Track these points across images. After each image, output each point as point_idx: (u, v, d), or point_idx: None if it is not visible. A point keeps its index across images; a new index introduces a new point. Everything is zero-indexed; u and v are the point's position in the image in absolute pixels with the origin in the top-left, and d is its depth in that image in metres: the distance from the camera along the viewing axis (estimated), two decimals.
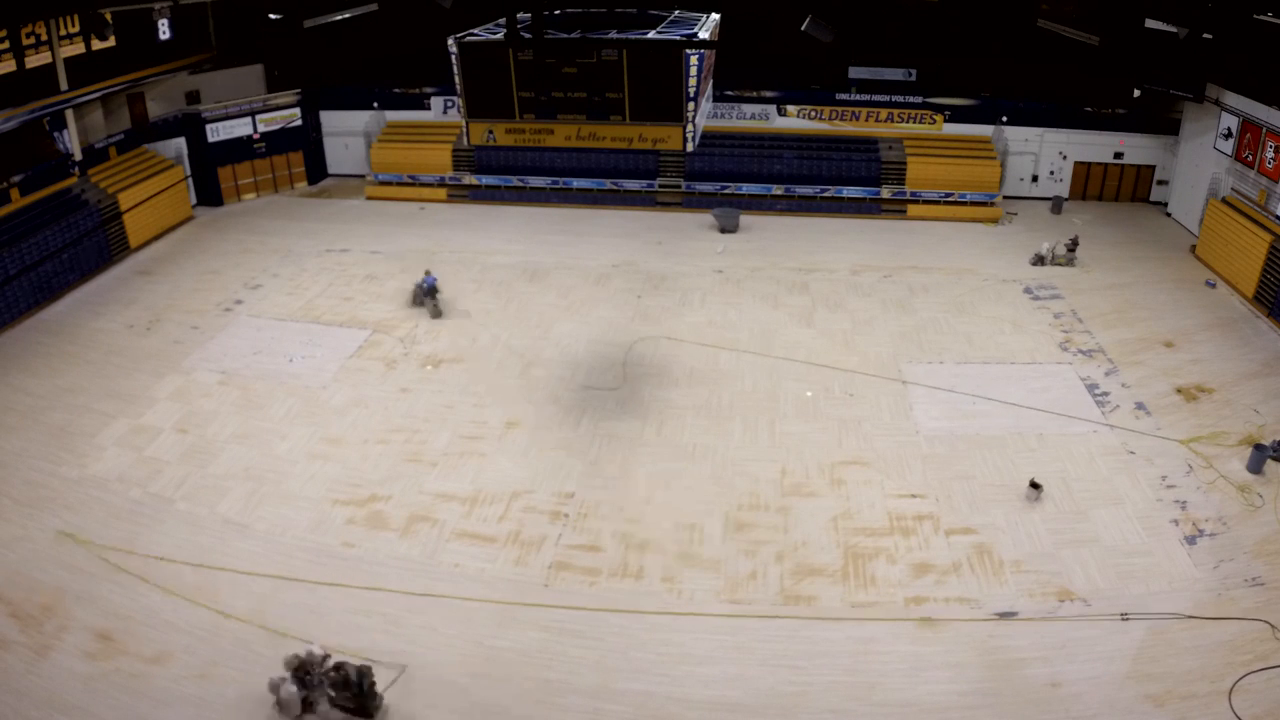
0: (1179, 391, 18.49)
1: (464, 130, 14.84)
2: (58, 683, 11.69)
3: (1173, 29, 23.27)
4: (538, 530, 14.72)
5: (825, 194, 29.98)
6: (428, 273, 22.60)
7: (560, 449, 16.86)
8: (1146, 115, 29.33)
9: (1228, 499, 15.15)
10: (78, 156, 26.05)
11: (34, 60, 23.90)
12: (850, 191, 29.97)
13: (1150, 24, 23.39)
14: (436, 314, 21.69)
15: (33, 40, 23.77)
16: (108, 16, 24.03)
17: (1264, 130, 23.78)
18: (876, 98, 31.03)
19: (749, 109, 31.53)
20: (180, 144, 29.82)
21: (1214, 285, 23.98)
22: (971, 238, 27.67)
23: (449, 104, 31.95)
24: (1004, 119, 30.46)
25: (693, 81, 13.60)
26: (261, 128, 30.99)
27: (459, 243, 27.00)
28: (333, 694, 11.09)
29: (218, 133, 30.21)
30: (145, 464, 16.33)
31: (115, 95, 27.38)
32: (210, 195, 30.46)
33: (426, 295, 21.98)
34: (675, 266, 25.22)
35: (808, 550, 14.28)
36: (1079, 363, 19.78)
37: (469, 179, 31.34)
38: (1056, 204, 29.72)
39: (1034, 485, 15.40)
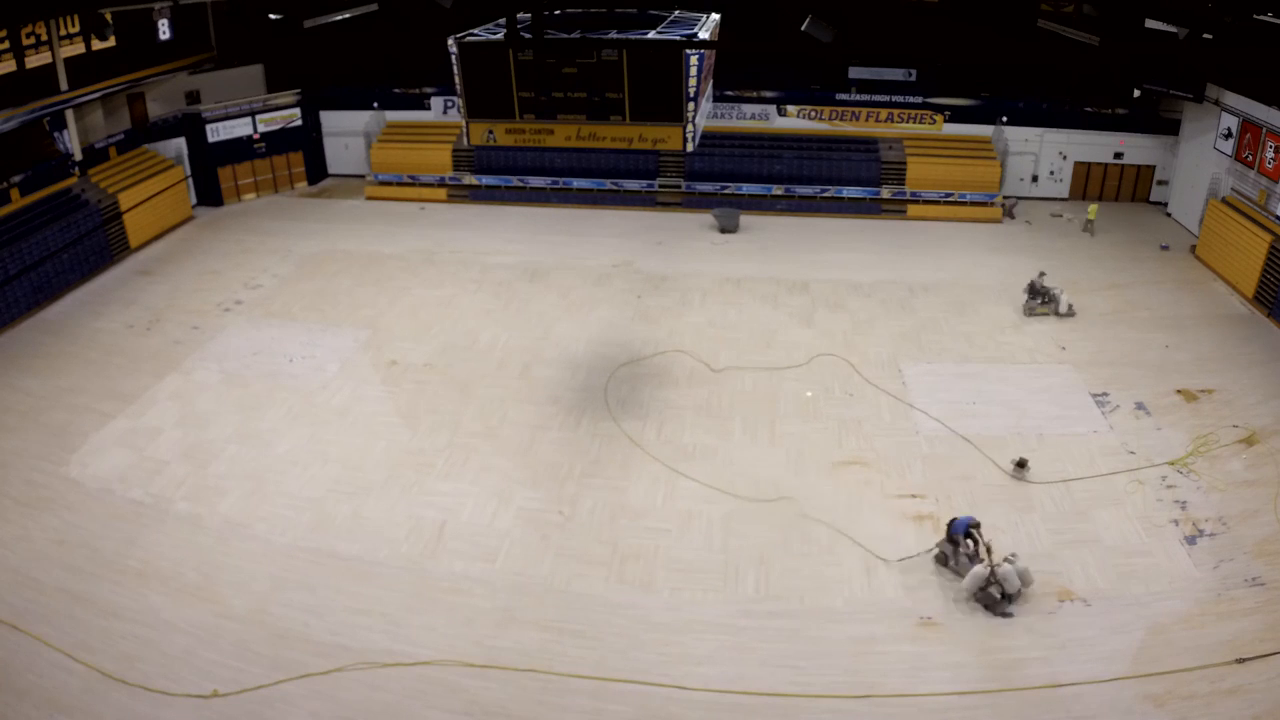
0: (1179, 392, 18.48)
1: (464, 130, 14.85)
2: (58, 682, 11.69)
3: (1173, 29, 23.26)
4: (538, 530, 14.71)
5: (825, 194, 29.98)
6: None
7: (560, 449, 16.86)
8: (1146, 115, 29.34)
9: (1228, 499, 15.15)
10: (78, 156, 26.05)
11: (34, 60, 23.89)
12: (850, 191, 29.97)
13: (1150, 24, 23.38)
14: None
15: (33, 40, 23.76)
16: (108, 16, 24.04)
17: (1264, 130, 23.78)
18: (876, 98, 31.03)
19: (749, 109, 31.53)
20: (180, 144, 29.83)
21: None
22: (971, 238, 27.67)
23: (449, 104, 31.95)
24: (1004, 119, 30.47)
25: (693, 81, 13.61)
26: (261, 128, 31.00)
27: (459, 243, 27.01)
28: None
29: (218, 133, 30.22)
30: (145, 464, 16.32)
31: (115, 95, 27.37)
32: (210, 195, 30.47)
33: None
34: (675, 266, 25.22)
35: (808, 550, 14.27)
36: (1079, 363, 19.76)
37: (469, 179, 31.34)
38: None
39: (1019, 464, 15.49)
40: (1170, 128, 29.11)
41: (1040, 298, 21.98)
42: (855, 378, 19.28)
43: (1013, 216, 29.09)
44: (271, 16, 27.70)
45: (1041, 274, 22.40)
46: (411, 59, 31.53)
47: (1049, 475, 15.85)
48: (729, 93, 31.14)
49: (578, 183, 30.83)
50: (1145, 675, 11.81)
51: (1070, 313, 21.68)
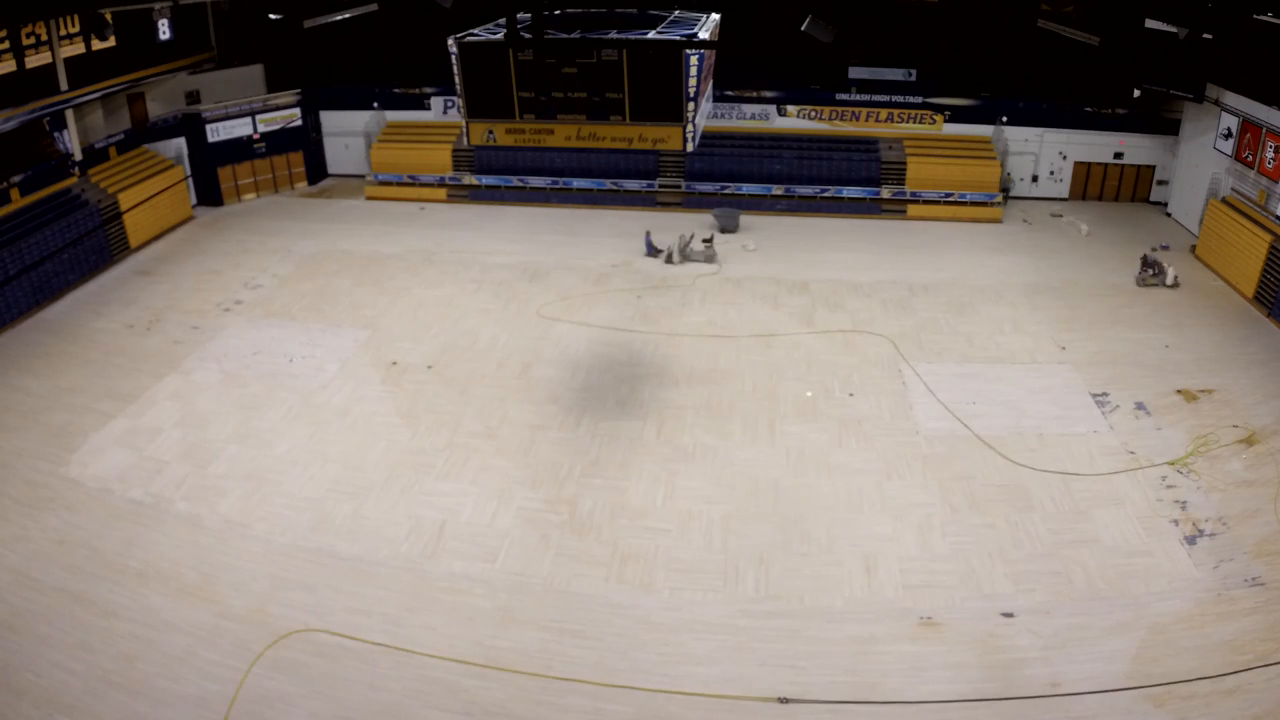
0: (1179, 392, 18.49)
1: (464, 130, 14.83)
2: (57, 682, 11.69)
3: (1173, 29, 23.24)
4: (538, 530, 14.72)
5: (825, 194, 29.99)
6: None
7: (560, 449, 16.87)
8: (1146, 115, 29.35)
9: (1228, 499, 15.15)
10: (78, 156, 26.05)
11: (34, 60, 23.90)
12: (850, 191, 29.98)
13: (1150, 24, 23.37)
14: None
15: (33, 40, 23.76)
16: (108, 16, 24.03)
17: (1264, 130, 23.78)
18: (876, 98, 31.03)
19: (749, 109, 31.53)
20: (180, 144, 29.83)
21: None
22: (971, 238, 27.67)
23: (449, 104, 31.96)
24: (1004, 119, 30.48)
25: (693, 82, 13.60)
26: (261, 128, 31.00)
27: (459, 243, 27.01)
28: None
29: (218, 133, 30.22)
30: (145, 464, 16.33)
31: (115, 95, 27.37)
32: (210, 195, 30.47)
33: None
34: (675, 267, 25.21)
35: (808, 550, 14.28)
36: (1079, 363, 19.77)
37: (469, 179, 31.34)
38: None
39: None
40: (1170, 128, 29.11)
41: (1152, 269, 23.75)
42: (860, 375, 19.29)
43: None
44: (272, 16, 27.68)
45: (1153, 248, 24.90)
46: (412, 59, 31.52)
47: (1049, 475, 15.86)
48: (729, 93, 31.14)
49: (578, 183, 30.83)
50: (1145, 675, 11.81)
51: (1176, 284, 23.56)
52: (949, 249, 26.64)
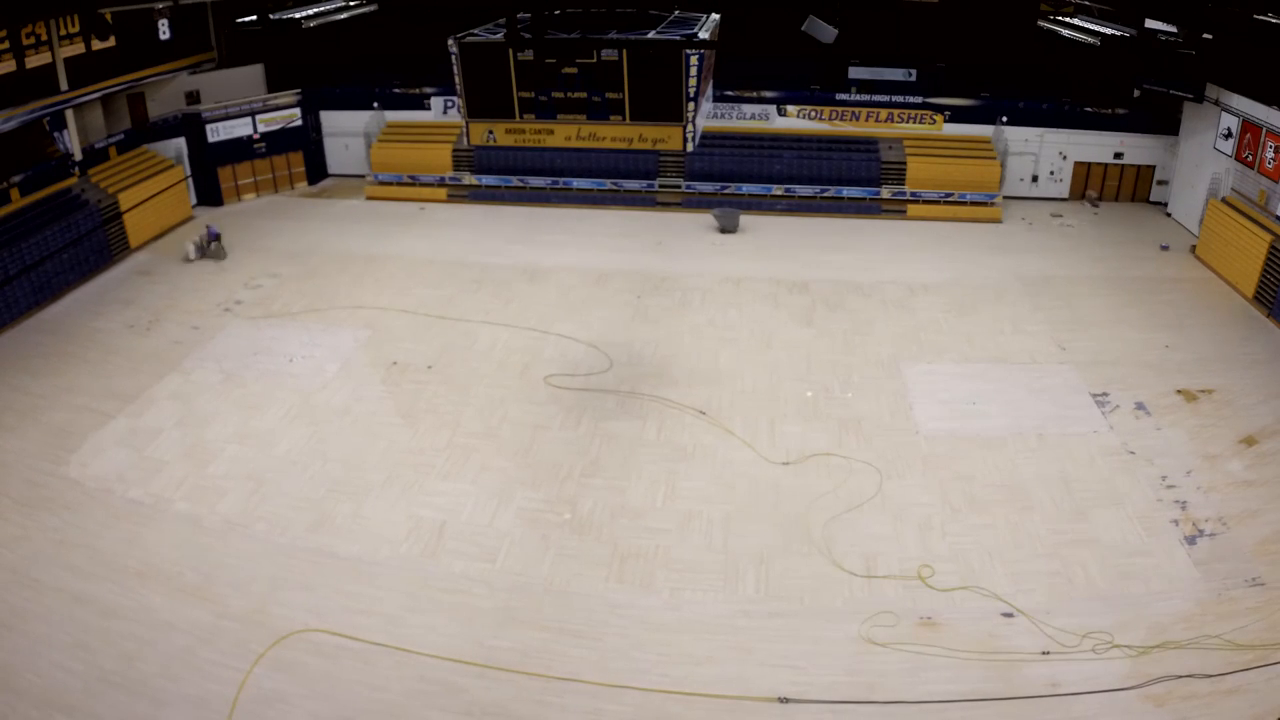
0: (1179, 392, 18.48)
1: (464, 130, 14.86)
2: (57, 682, 11.69)
3: (1173, 29, 23.26)
4: (538, 530, 14.72)
5: (825, 194, 29.99)
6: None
7: (560, 449, 16.86)
8: (1146, 115, 29.34)
9: (1228, 499, 15.15)
10: (78, 156, 26.05)
11: (34, 60, 23.89)
12: (850, 191, 29.97)
13: (1150, 24, 23.38)
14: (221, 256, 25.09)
15: (33, 40, 23.76)
16: (108, 17, 24.02)
17: (1264, 130, 23.77)
18: (876, 98, 31.03)
19: (749, 109, 31.53)
20: (180, 144, 29.83)
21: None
22: (971, 238, 27.67)
23: (449, 104, 31.95)
24: (1004, 119, 30.47)
25: (693, 81, 13.62)
26: (261, 128, 31.00)
27: (459, 243, 26.99)
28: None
29: (218, 133, 30.23)
30: (145, 464, 16.33)
31: (115, 95, 27.37)
32: (210, 195, 30.46)
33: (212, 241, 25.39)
34: (675, 266, 25.22)
35: (808, 550, 14.28)
36: (1079, 363, 19.76)
37: (469, 179, 31.34)
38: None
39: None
40: (1170, 128, 29.11)
41: None
42: (860, 375, 19.29)
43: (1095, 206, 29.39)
44: (272, 17, 27.66)
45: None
46: (412, 59, 31.52)
47: (1049, 475, 15.85)
48: (729, 93, 31.14)
49: (578, 183, 30.83)
50: (1145, 675, 11.81)
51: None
52: (949, 249, 26.63)
